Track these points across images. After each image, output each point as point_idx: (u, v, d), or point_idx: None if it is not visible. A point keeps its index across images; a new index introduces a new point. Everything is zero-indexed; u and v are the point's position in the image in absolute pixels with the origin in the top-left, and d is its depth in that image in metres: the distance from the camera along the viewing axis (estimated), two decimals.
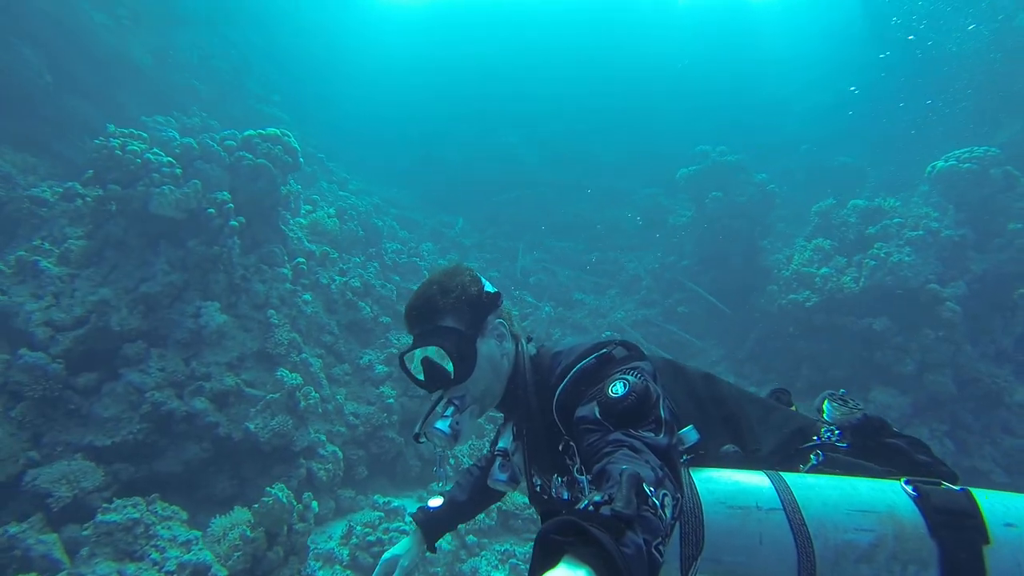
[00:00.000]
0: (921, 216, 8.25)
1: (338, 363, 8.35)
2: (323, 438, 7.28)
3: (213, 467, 6.91)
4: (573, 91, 20.03)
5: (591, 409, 1.48)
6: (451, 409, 1.74)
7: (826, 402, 2.10)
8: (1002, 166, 8.00)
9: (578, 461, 1.68)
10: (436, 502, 2.43)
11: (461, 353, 1.75)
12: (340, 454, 7.47)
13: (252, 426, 6.71)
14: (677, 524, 1.47)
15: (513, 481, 2.04)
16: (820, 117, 17.52)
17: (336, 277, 8.71)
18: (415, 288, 1.94)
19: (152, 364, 6.74)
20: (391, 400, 8.30)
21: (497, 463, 2.07)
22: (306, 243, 8.53)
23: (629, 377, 1.50)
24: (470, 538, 7.28)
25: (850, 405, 2.02)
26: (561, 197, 17.49)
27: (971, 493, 1.56)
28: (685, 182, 12.85)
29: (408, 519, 7.54)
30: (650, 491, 1.11)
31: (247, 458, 6.99)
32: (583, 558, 0.89)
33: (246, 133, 7.84)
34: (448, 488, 2.51)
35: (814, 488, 1.59)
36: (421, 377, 1.84)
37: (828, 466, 1.79)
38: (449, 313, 1.79)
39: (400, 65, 21.01)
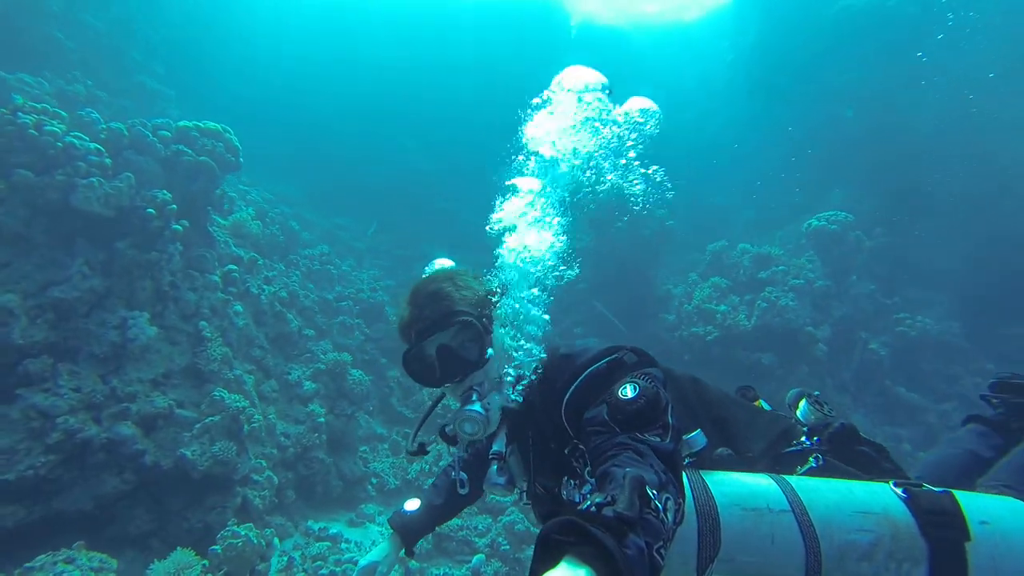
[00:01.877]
0: (801, 266, 9.69)
1: (266, 379, 7.61)
2: (264, 463, 6.61)
3: (127, 500, 5.94)
4: (471, 99, 19.88)
5: (600, 411, 1.49)
6: (475, 395, 1.78)
7: (803, 401, 2.16)
8: (855, 230, 9.73)
9: (587, 463, 1.63)
10: (412, 505, 2.40)
11: (478, 335, 1.79)
12: (275, 479, 6.83)
13: (189, 453, 5.89)
14: (696, 525, 1.55)
15: (511, 484, 1.97)
16: (696, 156, 19.16)
17: (264, 287, 7.92)
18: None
19: (63, 383, 5.62)
20: (321, 419, 7.75)
21: (494, 467, 1.95)
22: (233, 247, 7.65)
23: (640, 381, 1.50)
24: (413, 563, 7.09)
25: (825, 410, 2.09)
26: (460, 207, 17.40)
27: (953, 494, 1.67)
28: (592, 222, 13.54)
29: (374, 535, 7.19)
30: (653, 494, 1.11)
31: (172, 489, 6.10)
32: (584, 558, 0.89)
33: (181, 124, 6.79)
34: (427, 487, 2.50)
35: (817, 491, 1.67)
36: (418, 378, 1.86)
37: (827, 471, 1.87)
38: (461, 302, 1.83)
39: (294, 50, 19.33)
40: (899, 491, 1.68)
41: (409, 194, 17.42)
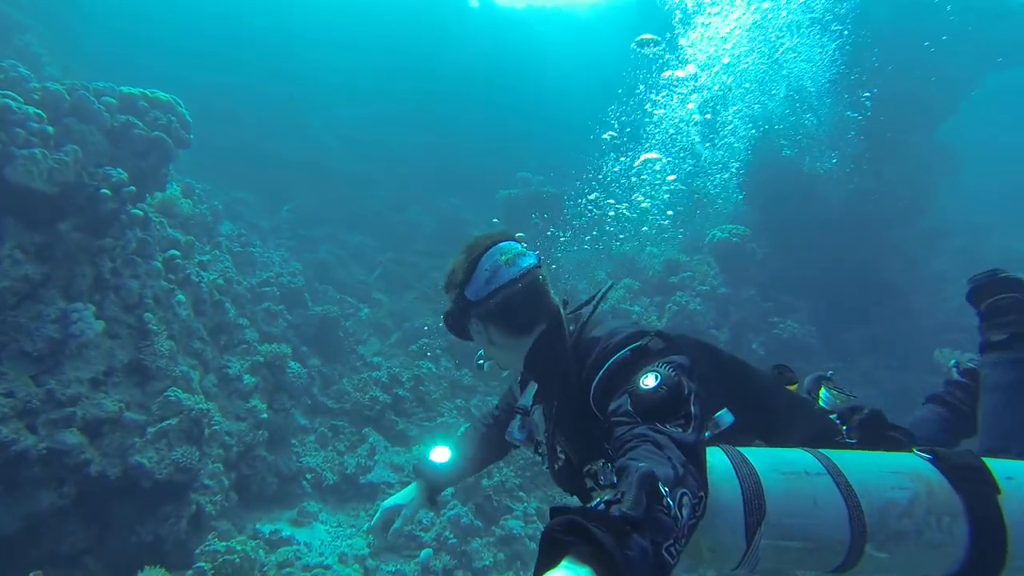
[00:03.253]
0: (707, 274, 10.72)
1: (205, 374, 6.89)
2: (220, 467, 6.04)
3: (59, 517, 5.16)
4: (375, 72, 18.79)
5: (623, 402, 1.46)
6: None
7: (822, 389, 2.15)
8: (751, 242, 10.99)
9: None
10: (439, 454, 2.35)
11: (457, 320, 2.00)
12: (226, 482, 6.28)
13: (146, 461, 5.23)
14: (740, 492, 1.54)
15: (530, 440, 2.02)
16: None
17: (203, 273, 7.11)
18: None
19: None
20: (265, 415, 7.21)
21: (517, 420, 2.05)
22: (169, 230, 6.77)
23: (662, 370, 1.45)
24: (370, 562, 6.94)
25: (845, 392, 2.10)
26: (359, 189, 16.58)
27: (973, 453, 1.74)
28: (503, 203, 13.72)
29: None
30: (665, 491, 1.08)
31: (117, 500, 5.39)
32: (585, 559, 0.88)
33: (125, 90, 5.77)
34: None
35: (846, 457, 1.70)
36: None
37: None
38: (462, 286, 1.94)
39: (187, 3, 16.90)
40: (924, 454, 1.72)
41: (314, 171, 16.29)
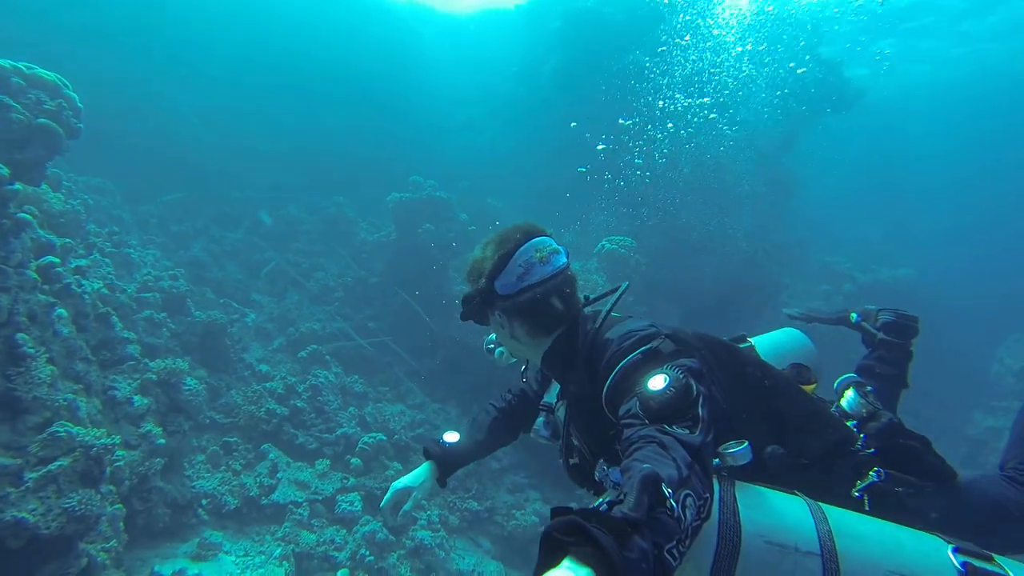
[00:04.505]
0: (597, 283, 11.17)
1: (89, 398, 5.81)
2: (121, 507, 5.13)
3: None
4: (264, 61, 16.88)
5: (632, 404, 1.43)
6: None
7: (852, 390, 2.01)
8: (637, 254, 11.69)
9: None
10: (452, 437, 2.35)
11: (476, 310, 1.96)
12: (121, 524, 5.36)
13: (27, 515, 4.28)
14: (714, 544, 1.38)
15: (555, 437, 2.06)
16: (479, 160, 19.15)
17: (84, 282, 5.96)
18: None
19: None
20: (161, 440, 6.27)
21: (541, 418, 2.13)
22: (40, 231, 5.59)
23: (671, 372, 1.43)
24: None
25: (869, 399, 1.97)
26: (231, 185, 14.92)
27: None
28: (395, 206, 13.22)
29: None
30: (668, 492, 1.06)
31: None
32: (585, 559, 0.87)
33: None
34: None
35: (857, 539, 1.43)
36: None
37: (889, 485, 1.74)
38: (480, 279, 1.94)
39: None
40: (957, 560, 1.41)
41: (187, 163, 14.36)
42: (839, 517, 1.48)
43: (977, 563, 1.39)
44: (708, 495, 1.19)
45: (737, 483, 1.54)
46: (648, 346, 1.59)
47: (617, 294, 1.96)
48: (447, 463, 2.31)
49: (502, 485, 9.88)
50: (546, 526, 0.94)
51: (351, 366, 11.81)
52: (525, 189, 16.73)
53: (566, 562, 0.87)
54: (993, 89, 23.36)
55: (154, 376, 6.57)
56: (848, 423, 1.93)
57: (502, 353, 2.18)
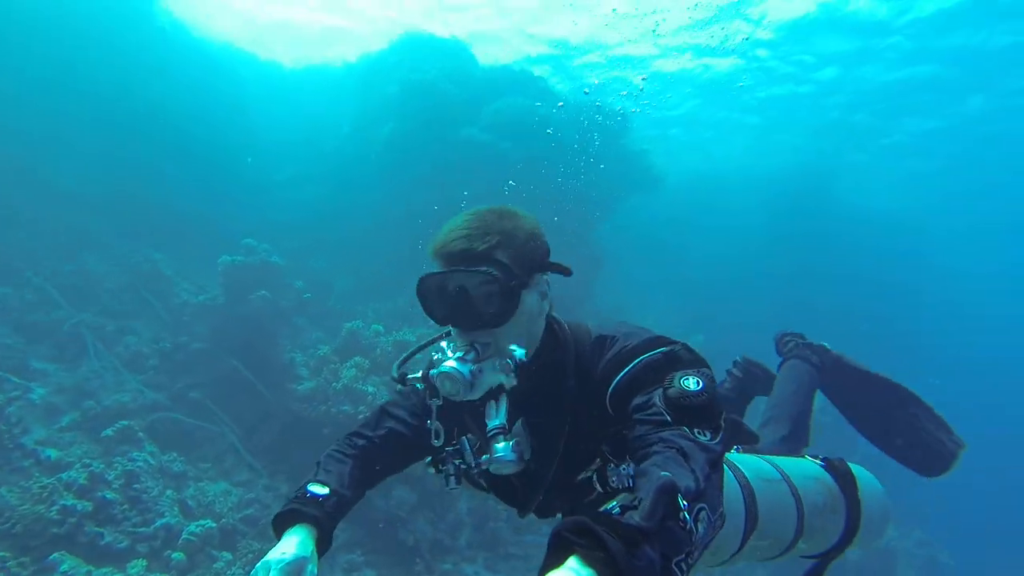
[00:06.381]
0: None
1: None
2: None
3: None
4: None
5: (652, 398, 1.36)
6: (472, 354, 1.46)
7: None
8: None
9: (612, 451, 1.56)
10: (321, 490, 1.66)
11: (506, 293, 1.46)
12: None
13: None
14: (743, 499, 1.66)
15: (521, 460, 1.56)
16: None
17: None
18: None
19: None
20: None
21: (503, 442, 1.53)
22: None
23: (703, 378, 1.37)
24: None
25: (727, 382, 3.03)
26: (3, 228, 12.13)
27: (844, 460, 2.18)
28: (225, 269, 12.13)
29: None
30: (684, 504, 1.02)
31: None
32: (591, 561, 0.87)
33: None
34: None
35: (781, 464, 2.07)
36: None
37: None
38: (506, 248, 1.50)
39: None
40: (818, 462, 2.20)
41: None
42: (765, 456, 2.12)
43: (827, 459, 2.18)
44: (722, 508, 1.20)
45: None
46: (668, 348, 1.49)
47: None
48: (333, 520, 1.65)
49: (336, 565, 9.17)
50: (556, 526, 0.94)
51: (168, 442, 10.22)
52: (358, 251, 16.39)
53: (572, 561, 0.87)
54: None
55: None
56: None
57: (473, 373, 1.47)
